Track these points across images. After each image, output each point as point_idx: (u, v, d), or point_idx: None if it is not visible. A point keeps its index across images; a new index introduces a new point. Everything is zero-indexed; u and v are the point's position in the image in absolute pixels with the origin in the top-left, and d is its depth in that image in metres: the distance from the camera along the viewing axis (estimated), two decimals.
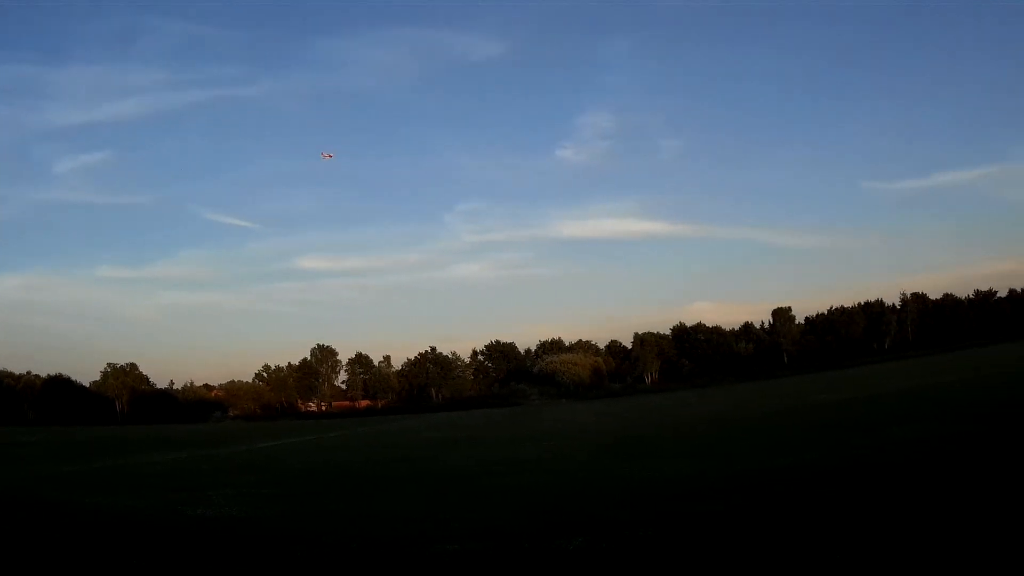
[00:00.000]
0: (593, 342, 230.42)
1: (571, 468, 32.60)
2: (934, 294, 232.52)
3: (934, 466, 20.61)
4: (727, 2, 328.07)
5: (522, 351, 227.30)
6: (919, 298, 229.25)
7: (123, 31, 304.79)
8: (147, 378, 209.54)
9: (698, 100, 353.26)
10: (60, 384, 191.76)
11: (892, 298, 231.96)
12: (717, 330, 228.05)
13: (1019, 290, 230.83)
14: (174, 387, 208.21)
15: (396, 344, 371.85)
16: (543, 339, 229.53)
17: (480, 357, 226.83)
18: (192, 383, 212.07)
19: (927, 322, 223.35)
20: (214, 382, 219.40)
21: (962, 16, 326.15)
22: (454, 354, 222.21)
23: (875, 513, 15.54)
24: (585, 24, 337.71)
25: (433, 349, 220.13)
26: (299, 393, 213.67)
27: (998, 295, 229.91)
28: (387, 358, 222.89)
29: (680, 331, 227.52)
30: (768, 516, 16.76)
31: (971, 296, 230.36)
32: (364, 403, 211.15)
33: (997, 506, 14.73)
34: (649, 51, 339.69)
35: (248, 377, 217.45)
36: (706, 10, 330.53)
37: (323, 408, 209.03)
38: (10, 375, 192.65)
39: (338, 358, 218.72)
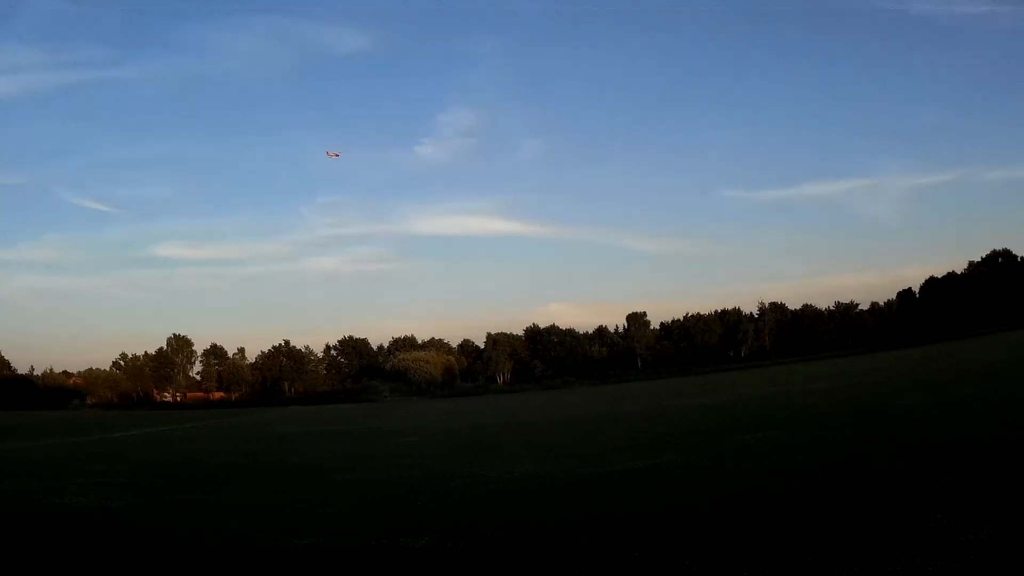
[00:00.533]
0: (446, 340, 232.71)
1: (420, 466, 32.55)
2: (793, 304, 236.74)
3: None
4: (594, 5, 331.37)
5: (375, 347, 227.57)
6: (777, 307, 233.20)
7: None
8: (8, 363, 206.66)
9: (561, 101, 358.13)
10: None
11: (750, 306, 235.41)
12: (571, 332, 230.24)
13: (881, 303, 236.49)
14: (34, 373, 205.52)
15: (251, 336, 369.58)
16: (397, 336, 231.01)
17: (333, 352, 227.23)
18: (52, 369, 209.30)
19: (785, 331, 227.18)
20: (74, 368, 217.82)
21: (831, 34, 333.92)
22: (307, 348, 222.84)
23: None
24: (452, 22, 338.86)
25: (287, 343, 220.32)
26: (155, 383, 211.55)
27: (860, 307, 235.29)
28: (241, 350, 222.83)
29: (533, 332, 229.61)
30: (611, 519, 17.18)
31: (831, 307, 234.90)
32: (218, 395, 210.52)
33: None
34: (514, 50, 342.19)
35: (106, 365, 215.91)
36: (573, 12, 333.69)
37: (178, 399, 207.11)
38: None
39: (193, 348, 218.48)
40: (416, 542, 15.67)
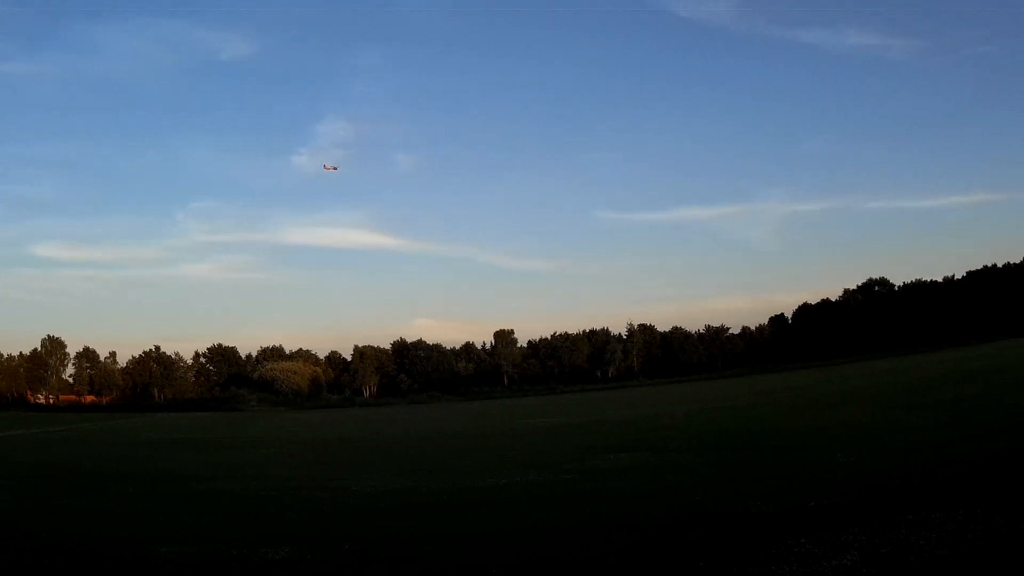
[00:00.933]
0: (313, 351, 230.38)
1: (283, 476, 32.64)
2: (664, 326, 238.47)
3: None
4: (480, 24, 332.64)
5: (244, 356, 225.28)
6: (647, 329, 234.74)
7: None
8: None
9: (439, 117, 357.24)
10: None
11: (620, 327, 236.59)
12: (438, 348, 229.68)
13: (753, 328, 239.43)
14: None
15: (124, 340, 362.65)
16: (265, 345, 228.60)
17: (202, 359, 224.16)
18: None
19: (653, 353, 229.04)
20: None
21: (713, 60, 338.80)
22: (177, 355, 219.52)
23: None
24: (338, 32, 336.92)
25: (158, 348, 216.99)
26: (28, 384, 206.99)
27: (730, 331, 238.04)
28: (113, 354, 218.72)
29: (400, 346, 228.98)
30: (474, 536, 17.38)
31: (701, 331, 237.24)
32: (89, 398, 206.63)
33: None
34: (397, 64, 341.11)
35: None
36: (457, 30, 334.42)
37: (51, 401, 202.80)
38: None
39: (67, 351, 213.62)
40: (276, 553, 15.73)
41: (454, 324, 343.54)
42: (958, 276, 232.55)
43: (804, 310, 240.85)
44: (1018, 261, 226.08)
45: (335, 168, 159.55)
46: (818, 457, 25.31)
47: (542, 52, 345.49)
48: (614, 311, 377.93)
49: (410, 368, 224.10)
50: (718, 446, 33.16)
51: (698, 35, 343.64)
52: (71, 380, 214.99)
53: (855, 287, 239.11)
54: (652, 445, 36.39)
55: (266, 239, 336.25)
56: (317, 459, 42.70)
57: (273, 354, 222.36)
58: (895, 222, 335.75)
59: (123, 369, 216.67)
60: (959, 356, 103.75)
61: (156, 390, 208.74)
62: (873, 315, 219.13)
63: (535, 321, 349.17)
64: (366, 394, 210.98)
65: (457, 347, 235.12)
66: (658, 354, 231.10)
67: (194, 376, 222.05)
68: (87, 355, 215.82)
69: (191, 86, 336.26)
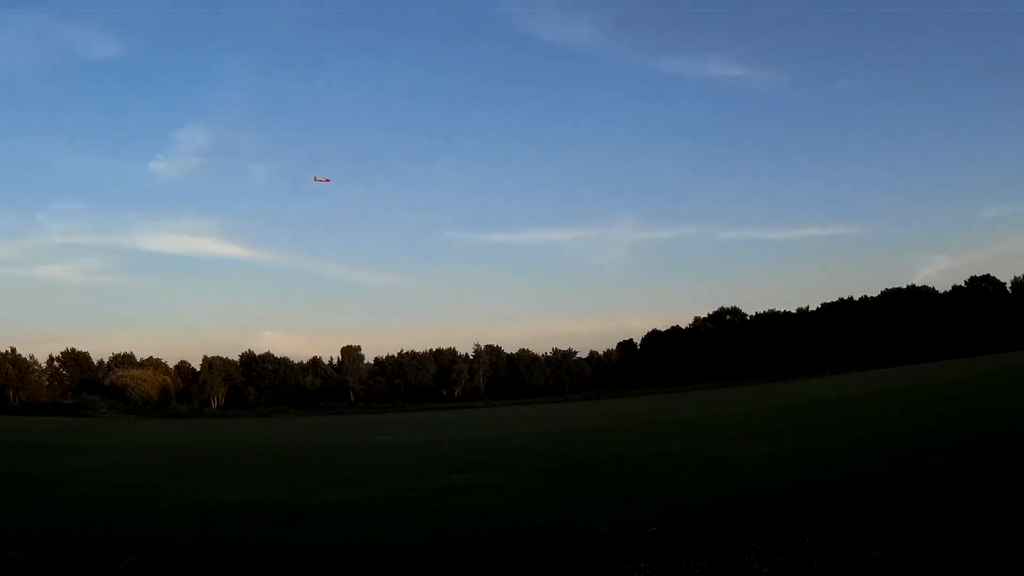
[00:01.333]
0: (163, 360, 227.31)
1: (131, 484, 32.25)
2: (511, 348, 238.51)
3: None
4: (344, 38, 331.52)
5: (96, 361, 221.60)
6: (493, 350, 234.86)
7: None
8: None
9: (296, 128, 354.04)
10: None
11: (467, 347, 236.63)
12: (285, 361, 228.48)
13: (600, 352, 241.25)
14: None
15: None
16: (117, 351, 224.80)
17: (56, 363, 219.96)
18: None
19: (499, 374, 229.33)
20: None
21: (572, 87, 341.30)
22: (32, 357, 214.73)
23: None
24: (205, 37, 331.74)
25: (13, 350, 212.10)
26: None
27: (578, 355, 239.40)
28: None
29: (249, 358, 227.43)
30: (315, 549, 17.38)
31: (548, 353, 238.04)
32: None
33: None
34: (258, 73, 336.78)
35: None
36: (320, 41, 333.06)
37: None
38: None
39: None
40: (121, 561, 15.62)
41: (302, 338, 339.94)
42: (813, 308, 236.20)
43: (653, 336, 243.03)
44: (875, 295, 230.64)
45: (327, 180, 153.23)
46: (660, 483, 25.52)
47: (402, 69, 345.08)
48: (462, 331, 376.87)
49: (258, 381, 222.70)
50: (560, 469, 33.19)
51: (561, 59, 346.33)
52: None
53: (706, 315, 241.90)
54: (494, 466, 36.43)
55: (122, 244, 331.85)
56: (165, 468, 42.39)
57: (124, 361, 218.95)
58: (749, 252, 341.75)
59: None
60: (810, 386, 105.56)
61: (11, 392, 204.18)
62: (724, 344, 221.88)
63: (383, 338, 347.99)
64: (214, 405, 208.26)
65: (305, 361, 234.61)
66: (504, 375, 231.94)
67: (48, 380, 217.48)
68: None
69: (56, 84, 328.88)
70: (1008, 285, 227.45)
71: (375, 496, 26.73)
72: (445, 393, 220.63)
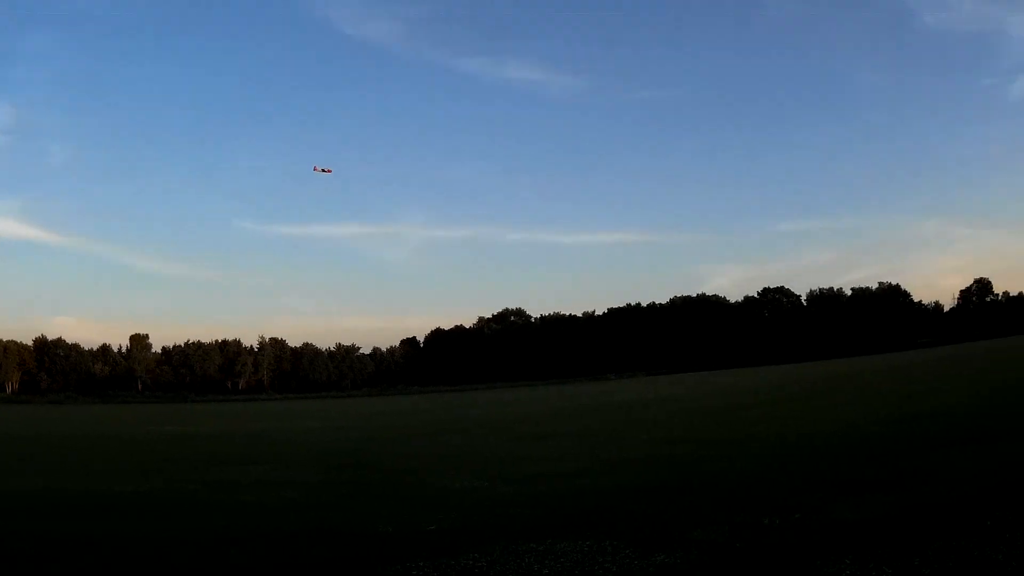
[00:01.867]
0: None
1: None
2: (296, 341, 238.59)
3: None
4: (155, 16, 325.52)
5: None
6: (278, 343, 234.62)
7: None
8: None
9: (98, 108, 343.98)
10: None
11: (253, 339, 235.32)
12: (76, 348, 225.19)
13: (384, 349, 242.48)
14: None
15: None
16: None
17: None
18: None
19: (283, 368, 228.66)
20: None
21: (354, 86, 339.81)
22: None
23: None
24: (11, 12, 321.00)
25: None
26: None
27: (361, 350, 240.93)
28: None
29: (41, 343, 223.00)
30: (94, 540, 16.84)
31: (332, 348, 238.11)
32: None
33: None
34: (67, 49, 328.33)
35: None
36: (131, 22, 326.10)
37: None
38: None
39: None
40: None
41: (93, 324, 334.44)
42: (599, 312, 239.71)
43: (437, 335, 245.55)
44: (664, 302, 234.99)
45: (328, 171, 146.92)
46: (441, 481, 25.27)
47: (205, 56, 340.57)
48: (248, 322, 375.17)
49: (50, 367, 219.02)
50: (341, 465, 32.74)
51: (361, 54, 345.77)
52: None
53: (490, 316, 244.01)
54: (277, 460, 35.97)
55: None
56: None
57: None
58: (538, 254, 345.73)
59: None
60: (594, 389, 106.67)
61: None
62: (508, 344, 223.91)
63: (171, 327, 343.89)
64: (8, 390, 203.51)
65: (95, 348, 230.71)
66: (288, 369, 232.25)
67: None
68: None
69: None
70: (803, 298, 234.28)
71: (162, 488, 25.99)
72: (230, 385, 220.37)
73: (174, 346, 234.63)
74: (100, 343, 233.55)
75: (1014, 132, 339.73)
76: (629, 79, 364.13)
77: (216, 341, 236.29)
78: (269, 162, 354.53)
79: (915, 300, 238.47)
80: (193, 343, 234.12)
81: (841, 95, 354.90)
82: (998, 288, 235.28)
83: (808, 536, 14.17)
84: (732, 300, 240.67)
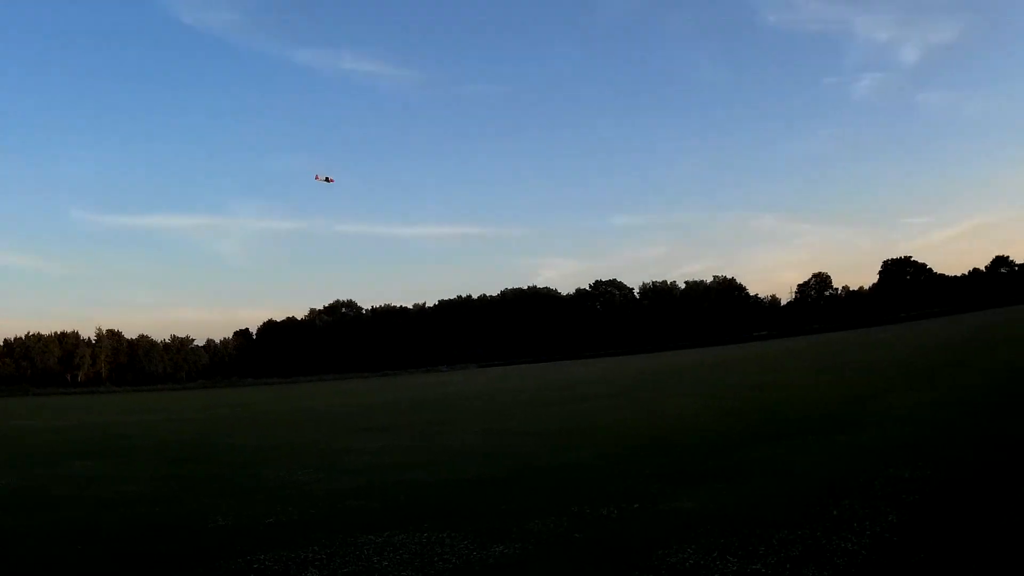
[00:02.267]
0: None
1: None
2: (133, 333, 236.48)
3: None
4: None
5: None
6: (115, 335, 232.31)
7: None
8: None
9: None
10: None
11: (91, 331, 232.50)
12: None
13: (218, 341, 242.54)
14: None
15: None
16: None
17: None
18: None
19: (121, 360, 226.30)
20: None
21: (213, 74, 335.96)
22: None
23: None
24: None
25: None
26: None
27: (196, 342, 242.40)
28: None
29: None
30: None
31: (167, 340, 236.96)
32: None
33: None
34: None
35: None
36: None
37: None
38: None
39: None
40: None
41: None
42: (430, 304, 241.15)
43: (269, 327, 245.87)
44: (495, 294, 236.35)
45: (331, 180, 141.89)
46: (276, 474, 25.13)
47: (34, 44, 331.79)
48: (86, 314, 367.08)
49: None
50: (178, 458, 32.37)
51: (198, 43, 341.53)
52: None
53: (321, 307, 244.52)
54: (116, 453, 35.42)
55: None
56: None
57: None
58: (369, 246, 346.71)
59: None
60: (427, 381, 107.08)
61: None
62: (340, 336, 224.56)
63: (13, 319, 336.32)
64: None
65: None
66: (125, 361, 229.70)
67: None
68: None
69: None
70: (636, 290, 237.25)
71: (18, 483, 25.69)
72: (69, 377, 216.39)
73: (15, 338, 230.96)
74: None
75: (856, 129, 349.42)
76: (462, 73, 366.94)
77: (55, 333, 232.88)
78: (104, 152, 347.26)
79: (751, 294, 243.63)
80: (33, 335, 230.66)
81: (679, 91, 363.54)
82: (838, 283, 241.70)
83: (649, 526, 14.45)
84: (564, 293, 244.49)
